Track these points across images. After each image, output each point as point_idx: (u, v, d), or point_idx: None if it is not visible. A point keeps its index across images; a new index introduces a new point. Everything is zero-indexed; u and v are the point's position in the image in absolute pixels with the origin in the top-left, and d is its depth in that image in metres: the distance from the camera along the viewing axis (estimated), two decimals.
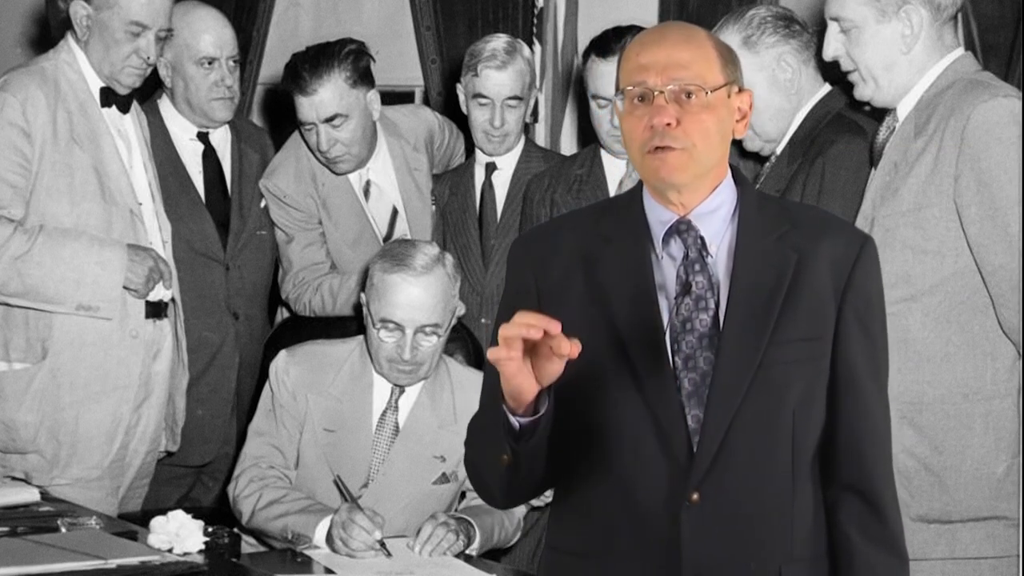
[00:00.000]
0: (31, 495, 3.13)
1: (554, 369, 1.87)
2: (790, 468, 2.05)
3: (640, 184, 2.13)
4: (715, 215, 2.08)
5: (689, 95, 2.01)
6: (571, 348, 1.83)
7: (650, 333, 2.02)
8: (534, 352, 1.87)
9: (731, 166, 2.12)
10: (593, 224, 2.13)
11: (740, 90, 2.08)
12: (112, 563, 2.63)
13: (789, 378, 2.04)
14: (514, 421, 1.95)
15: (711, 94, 2.02)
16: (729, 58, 2.08)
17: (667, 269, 2.06)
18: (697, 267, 2.05)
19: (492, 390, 1.98)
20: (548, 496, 2.22)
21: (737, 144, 2.92)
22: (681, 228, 2.07)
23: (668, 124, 2.00)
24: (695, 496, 2.00)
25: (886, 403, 2.14)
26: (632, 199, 2.13)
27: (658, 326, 2.03)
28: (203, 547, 2.81)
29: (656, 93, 2.01)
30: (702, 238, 2.06)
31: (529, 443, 1.96)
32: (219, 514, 3.35)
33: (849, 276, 2.07)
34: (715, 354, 2.02)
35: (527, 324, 1.83)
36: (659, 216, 2.08)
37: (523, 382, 1.89)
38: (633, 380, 2.02)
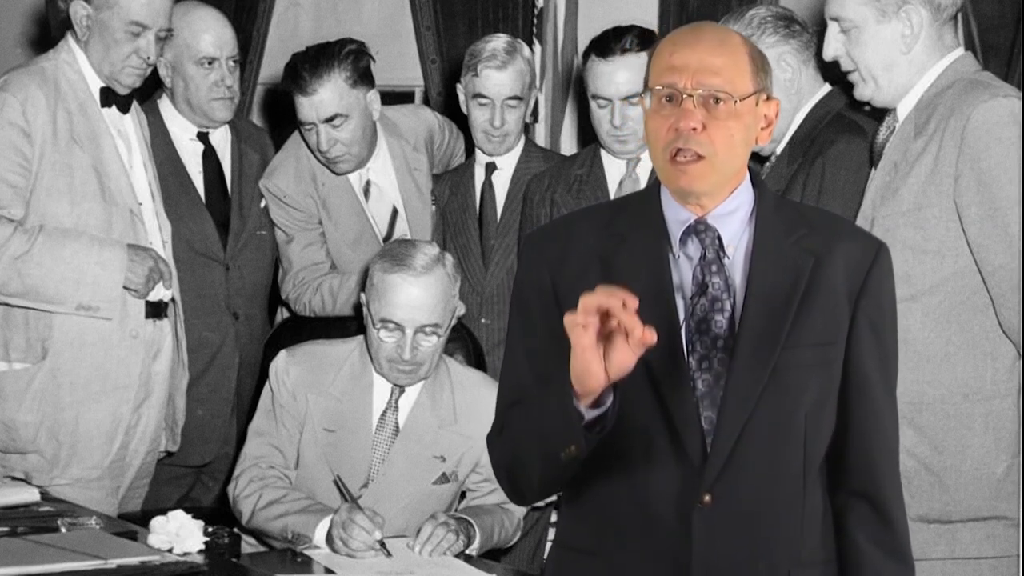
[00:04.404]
0: (31, 495, 3.13)
1: (625, 360, 1.84)
2: (801, 472, 2.05)
3: (657, 183, 2.11)
4: (733, 216, 2.07)
5: (717, 101, 2.00)
6: (646, 334, 1.81)
7: (666, 332, 2.00)
8: (607, 340, 1.84)
9: (748, 168, 2.10)
10: (608, 222, 2.12)
11: (768, 98, 2.07)
12: (112, 563, 2.64)
13: (802, 382, 2.04)
14: (584, 411, 1.90)
15: (740, 103, 2.01)
16: (761, 65, 2.06)
17: (684, 269, 2.05)
18: (714, 268, 2.05)
19: (536, 382, 1.99)
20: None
21: None
22: (699, 228, 2.06)
23: (693, 129, 1.99)
24: (707, 498, 2.00)
25: (895, 410, 2.14)
26: (648, 198, 2.12)
27: (675, 326, 2.02)
28: (203, 547, 2.81)
29: (684, 96, 2.00)
30: (720, 239, 2.06)
31: (597, 436, 1.93)
32: (219, 514, 3.35)
33: (864, 282, 2.07)
34: (730, 356, 2.01)
35: (608, 293, 1.80)
36: (677, 215, 2.07)
37: (592, 362, 1.84)
38: (648, 379, 2.01)
